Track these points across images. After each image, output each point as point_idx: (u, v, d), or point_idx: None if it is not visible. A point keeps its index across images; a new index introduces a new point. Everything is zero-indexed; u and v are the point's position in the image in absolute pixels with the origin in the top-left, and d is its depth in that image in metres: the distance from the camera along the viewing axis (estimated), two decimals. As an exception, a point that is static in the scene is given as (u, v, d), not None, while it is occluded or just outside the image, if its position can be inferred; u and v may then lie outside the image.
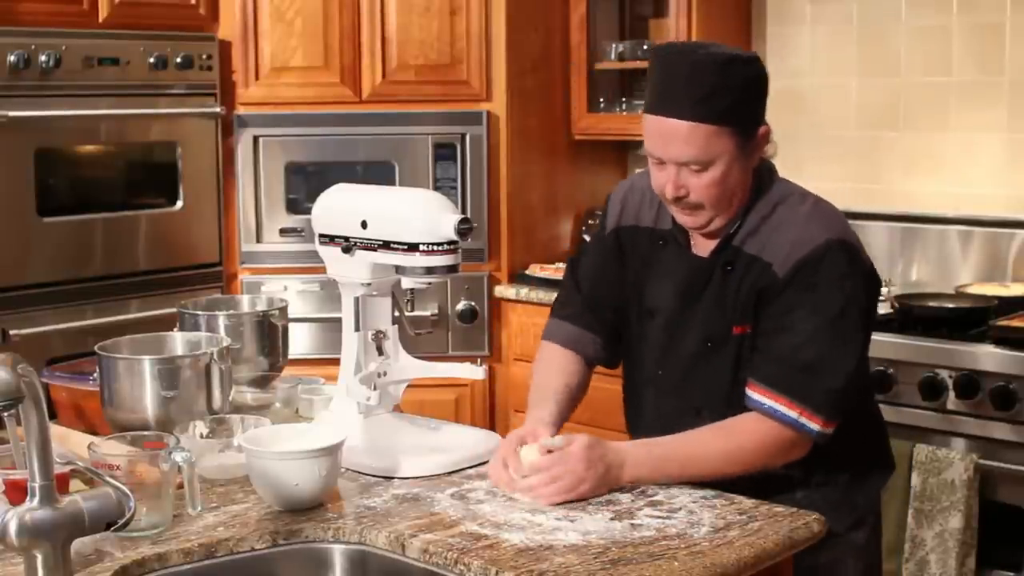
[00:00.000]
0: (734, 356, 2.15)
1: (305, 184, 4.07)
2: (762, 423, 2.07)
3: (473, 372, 2.28)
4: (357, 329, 2.27)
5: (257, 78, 4.07)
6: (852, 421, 2.15)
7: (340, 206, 2.30)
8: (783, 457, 2.10)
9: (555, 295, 2.47)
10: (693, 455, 2.07)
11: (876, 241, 3.93)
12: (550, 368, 2.32)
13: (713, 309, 2.16)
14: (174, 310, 2.62)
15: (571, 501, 1.98)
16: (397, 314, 2.32)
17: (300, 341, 3.95)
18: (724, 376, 2.16)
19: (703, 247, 2.20)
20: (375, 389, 2.25)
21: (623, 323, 2.32)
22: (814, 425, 2.06)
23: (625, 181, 2.40)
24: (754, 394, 2.09)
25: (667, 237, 2.24)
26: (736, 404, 2.12)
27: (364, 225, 2.22)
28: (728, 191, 2.10)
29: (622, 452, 2.05)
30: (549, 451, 2.05)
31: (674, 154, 2.07)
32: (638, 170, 2.38)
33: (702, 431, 2.10)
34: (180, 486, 1.91)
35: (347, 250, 2.24)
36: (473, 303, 4.07)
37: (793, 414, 2.05)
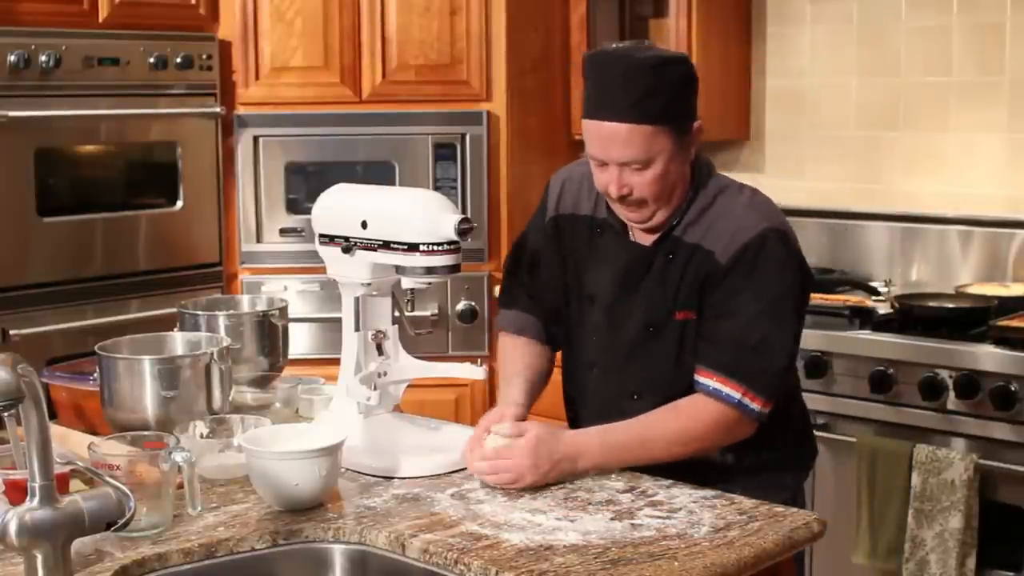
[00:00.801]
0: (676, 341, 2.23)
1: (305, 184, 4.07)
2: (708, 404, 2.16)
3: (473, 372, 2.28)
4: (357, 329, 2.28)
5: (257, 78, 4.07)
6: (781, 404, 2.23)
7: (340, 206, 2.30)
8: (729, 437, 2.19)
9: None
10: (645, 439, 2.15)
11: (876, 241, 3.94)
12: (509, 355, 2.41)
13: (654, 296, 2.24)
14: (174, 310, 2.62)
15: (520, 489, 2.06)
16: (397, 314, 2.32)
17: (300, 341, 3.95)
18: (666, 360, 2.24)
19: (643, 236, 2.27)
20: (375, 389, 2.25)
21: (563, 309, 2.38)
22: (755, 405, 2.15)
23: (563, 169, 2.46)
24: (700, 377, 2.17)
25: (604, 225, 2.32)
26: (677, 388, 2.20)
27: (364, 225, 2.22)
28: (669, 185, 2.19)
29: (576, 444, 2.12)
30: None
31: (615, 155, 2.15)
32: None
33: (652, 415, 2.17)
34: (180, 486, 1.91)
35: (347, 250, 2.24)
36: (473, 303, 4.07)
37: (736, 395, 2.14)
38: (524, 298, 2.43)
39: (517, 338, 2.41)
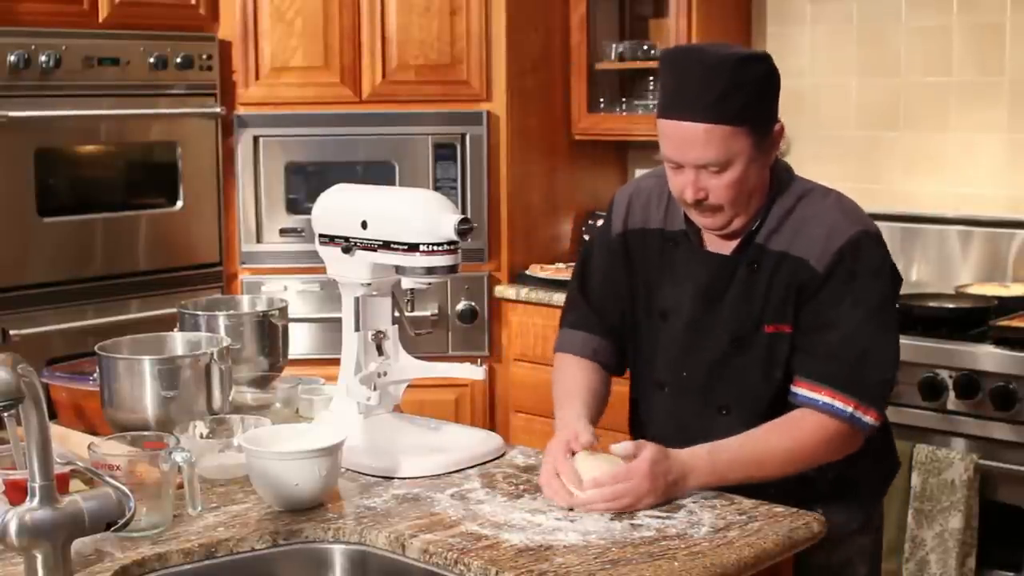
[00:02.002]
0: (765, 354, 2.13)
1: (305, 184, 4.07)
2: (819, 419, 2.06)
3: (473, 372, 2.28)
4: (357, 329, 2.27)
5: (257, 78, 4.07)
6: None
7: (340, 206, 2.30)
8: (839, 453, 2.10)
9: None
10: (756, 459, 2.05)
11: (876, 241, 3.93)
12: (567, 374, 2.31)
13: (739, 307, 2.14)
14: (174, 310, 2.62)
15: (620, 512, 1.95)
16: (397, 314, 2.32)
17: (300, 341, 3.95)
18: (754, 374, 2.14)
19: (720, 245, 2.18)
20: (375, 389, 2.25)
21: (630, 327, 2.30)
22: (868, 418, 2.07)
23: (629, 183, 2.38)
24: (805, 391, 2.08)
25: (678, 238, 2.23)
26: (766, 402, 2.12)
27: (364, 225, 2.22)
28: (747, 190, 2.10)
29: (686, 464, 2.00)
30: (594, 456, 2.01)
31: (692, 157, 2.06)
32: (639, 171, 2.38)
33: (759, 432, 2.07)
34: (180, 486, 1.91)
35: (347, 250, 2.24)
36: (473, 303, 4.07)
37: (849, 409, 2.05)
38: (591, 320, 2.33)
39: (582, 361, 2.31)
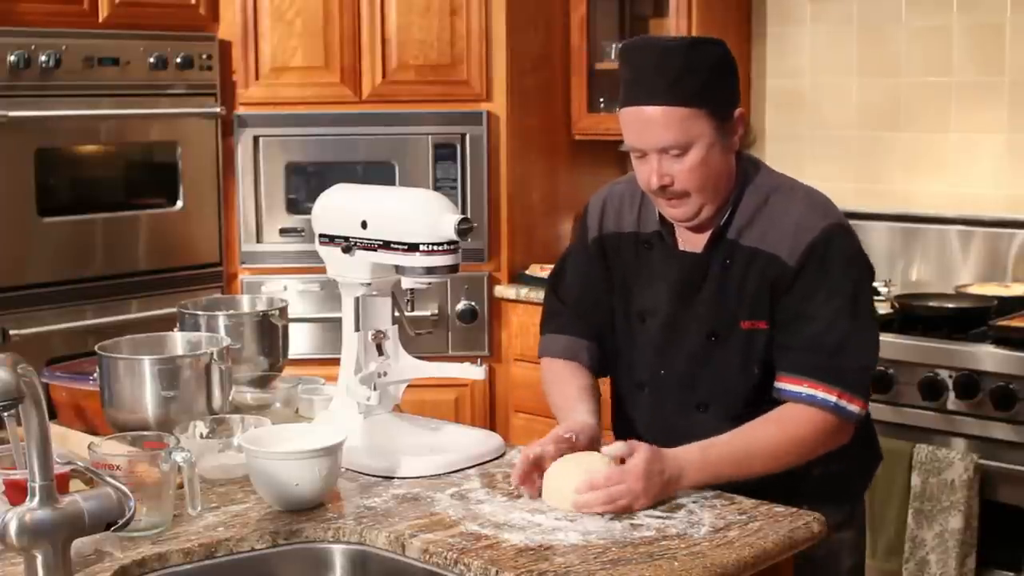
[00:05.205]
0: (742, 350, 2.14)
1: (305, 184, 4.07)
2: (806, 412, 2.07)
3: (473, 372, 2.28)
4: (357, 329, 2.27)
5: (257, 78, 4.07)
6: None
7: (340, 206, 2.30)
8: (830, 444, 2.11)
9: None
10: (747, 452, 2.05)
11: (876, 241, 3.93)
12: (560, 379, 2.32)
13: (714, 304, 2.15)
14: (174, 310, 2.62)
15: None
16: (397, 314, 2.32)
17: (300, 341, 3.95)
18: (731, 370, 2.15)
19: (693, 243, 2.19)
20: (375, 389, 2.25)
21: (610, 330, 2.31)
22: (854, 407, 2.08)
23: (602, 189, 2.39)
24: (790, 385, 2.09)
25: (652, 239, 2.24)
26: (743, 397, 2.13)
27: (364, 225, 2.22)
28: (711, 175, 2.11)
29: (680, 461, 2.00)
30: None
31: (652, 140, 2.08)
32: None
33: (750, 428, 2.08)
34: (180, 486, 1.91)
35: (347, 250, 2.24)
36: (473, 303, 4.07)
37: (832, 398, 2.06)
38: (574, 323, 2.35)
39: (569, 363, 2.32)
